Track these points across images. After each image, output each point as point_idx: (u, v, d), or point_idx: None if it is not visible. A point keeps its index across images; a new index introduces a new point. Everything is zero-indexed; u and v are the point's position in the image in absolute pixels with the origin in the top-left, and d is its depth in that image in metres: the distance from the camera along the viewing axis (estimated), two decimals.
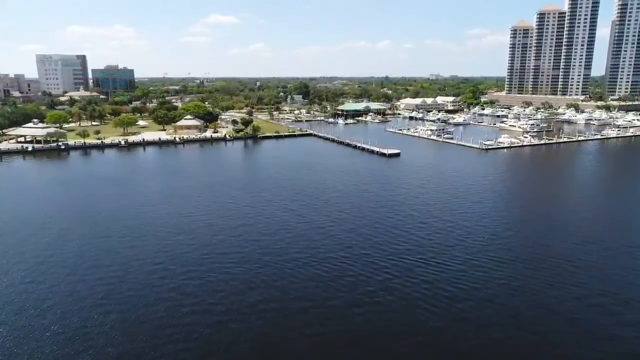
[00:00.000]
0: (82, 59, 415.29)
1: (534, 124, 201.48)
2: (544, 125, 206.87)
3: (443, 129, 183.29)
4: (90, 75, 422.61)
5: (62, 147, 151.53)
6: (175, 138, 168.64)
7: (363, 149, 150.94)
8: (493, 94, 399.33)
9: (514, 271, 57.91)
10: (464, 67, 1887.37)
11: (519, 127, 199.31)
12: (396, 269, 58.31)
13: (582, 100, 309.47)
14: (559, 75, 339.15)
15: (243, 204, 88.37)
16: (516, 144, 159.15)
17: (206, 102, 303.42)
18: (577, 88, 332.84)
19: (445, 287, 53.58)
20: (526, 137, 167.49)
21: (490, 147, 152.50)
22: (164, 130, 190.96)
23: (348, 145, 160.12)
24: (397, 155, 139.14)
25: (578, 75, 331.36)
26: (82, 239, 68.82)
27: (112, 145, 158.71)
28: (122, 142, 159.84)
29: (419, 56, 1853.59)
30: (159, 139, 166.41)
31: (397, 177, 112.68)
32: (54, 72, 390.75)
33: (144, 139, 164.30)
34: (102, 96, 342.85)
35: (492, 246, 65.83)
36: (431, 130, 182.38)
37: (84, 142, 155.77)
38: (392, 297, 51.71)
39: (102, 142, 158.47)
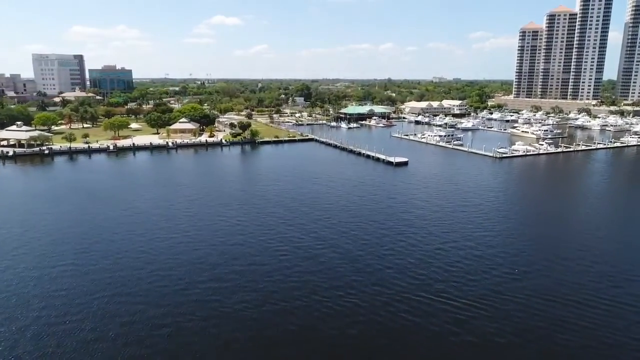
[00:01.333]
0: (80, 58, 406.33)
1: (547, 130, 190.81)
2: (558, 131, 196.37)
3: (452, 135, 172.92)
4: (87, 76, 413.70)
5: (46, 152, 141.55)
6: (167, 142, 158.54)
7: (368, 156, 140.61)
8: (500, 98, 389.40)
9: (559, 317, 47.42)
10: (467, 70, 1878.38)
11: (532, 134, 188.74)
12: (415, 310, 47.97)
13: (593, 105, 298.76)
14: (569, 78, 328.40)
15: (236, 220, 78.20)
16: (532, 152, 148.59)
17: (205, 104, 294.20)
18: (589, 92, 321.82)
19: (479, 335, 43.29)
20: (542, 145, 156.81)
21: (504, 155, 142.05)
22: (158, 133, 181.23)
23: (352, 152, 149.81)
24: (405, 164, 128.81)
25: (589, 78, 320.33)
26: (45, 262, 58.66)
27: (99, 150, 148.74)
28: (111, 147, 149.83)
29: (422, 59, 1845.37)
30: (150, 143, 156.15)
31: (406, 189, 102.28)
32: (50, 72, 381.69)
33: (133, 144, 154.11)
34: (98, 97, 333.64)
35: (526, 280, 55.35)
36: (440, 136, 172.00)
37: (70, 147, 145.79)
38: (414, 355, 41.43)
39: (89, 146, 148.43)
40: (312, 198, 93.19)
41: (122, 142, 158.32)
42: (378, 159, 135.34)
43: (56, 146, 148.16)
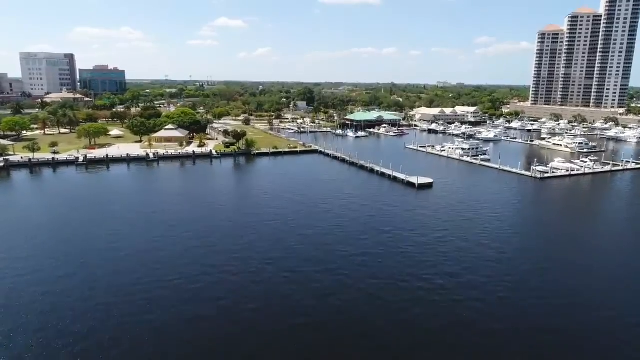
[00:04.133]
0: (70, 58, 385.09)
1: (582, 143, 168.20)
2: (594, 144, 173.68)
3: (477, 148, 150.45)
4: (78, 76, 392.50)
5: (1, 164, 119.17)
6: (147, 154, 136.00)
7: (383, 174, 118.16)
8: (516, 105, 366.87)
9: None
10: (471, 75, 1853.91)
11: (566, 147, 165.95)
12: None
13: (620, 114, 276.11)
14: (592, 85, 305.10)
15: (218, 271, 55.86)
16: (576, 171, 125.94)
17: (200, 108, 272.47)
18: (614, 99, 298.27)
19: None
20: (585, 162, 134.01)
21: (545, 175, 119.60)
22: (141, 142, 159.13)
23: (363, 168, 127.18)
24: (429, 186, 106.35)
25: (614, 85, 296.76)
26: None
27: (67, 162, 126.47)
28: (80, 159, 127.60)
29: (425, 63, 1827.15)
30: (127, 154, 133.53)
31: (439, 224, 79.31)
32: (38, 71, 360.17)
33: (107, 155, 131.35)
34: (87, 99, 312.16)
35: None
36: (463, 149, 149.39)
37: (30, 158, 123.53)
38: None
39: (53, 158, 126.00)
40: (320, 236, 70.64)
41: (95, 153, 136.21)
42: (395, 179, 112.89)
43: (16, 157, 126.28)
